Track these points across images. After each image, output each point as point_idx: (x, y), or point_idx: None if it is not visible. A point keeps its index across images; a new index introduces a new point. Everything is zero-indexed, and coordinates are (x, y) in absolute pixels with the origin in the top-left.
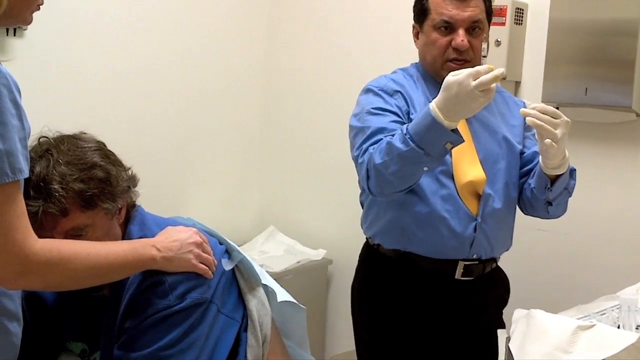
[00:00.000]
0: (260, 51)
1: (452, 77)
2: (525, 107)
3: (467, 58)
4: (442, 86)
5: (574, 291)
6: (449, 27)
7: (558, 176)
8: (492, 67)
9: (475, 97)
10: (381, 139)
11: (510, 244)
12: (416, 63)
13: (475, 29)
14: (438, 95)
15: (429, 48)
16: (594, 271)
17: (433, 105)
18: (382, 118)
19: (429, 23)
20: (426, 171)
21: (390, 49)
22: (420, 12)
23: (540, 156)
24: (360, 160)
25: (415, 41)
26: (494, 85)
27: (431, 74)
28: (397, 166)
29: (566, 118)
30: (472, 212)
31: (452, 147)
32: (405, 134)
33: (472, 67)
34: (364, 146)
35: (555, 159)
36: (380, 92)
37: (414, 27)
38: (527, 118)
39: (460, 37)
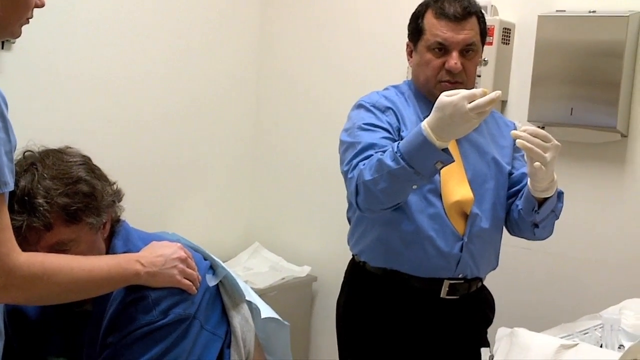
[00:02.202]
0: (252, 65)
1: (447, 97)
2: (515, 128)
3: (460, 80)
4: (435, 106)
5: (557, 310)
6: (442, 49)
7: (546, 199)
8: (486, 90)
9: (469, 119)
10: (372, 155)
11: (496, 263)
12: (408, 81)
13: (469, 51)
14: (430, 115)
15: (422, 68)
16: (578, 290)
17: (425, 124)
18: (373, 134)
19: (423, 43)
20: (415, 189)
21: (384, 64)
22: (415, 32)
23: (528, 178)
24: (349, 176)
25: (408, 59)
26: (489, 107)
27: (424, 93)
28: (386, 183)
29: (556, 142)
30: (458, 231)
31: (443, 167)
32: (396, 152)
33: (466, 88)
34: (354, 162)
35: (543, 182)
36: (372, 108)
37: (407, 45)
38: (517, 140)
39: (454, 60)
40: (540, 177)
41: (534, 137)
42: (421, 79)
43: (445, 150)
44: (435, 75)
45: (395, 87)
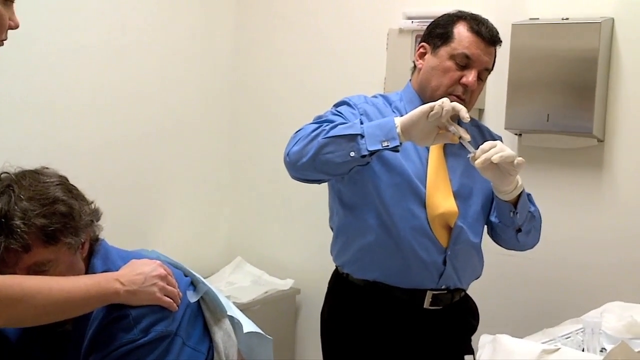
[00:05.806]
0: (227, 84)
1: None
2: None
3: (466, 99)
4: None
5: (539, 315)
6: (465, 64)
7: (518, 198)
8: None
9: (429, 126)
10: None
11: (479, 274)
12: (401, 91)
13: (483, 74)
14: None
15: (438, 73)
16: (559, 295)
17: (398, 121)
18: (337, 118)
19: (449, 50)
20: (351, 160)
21: (359, 81)
22: (441, 36)
23: (496, 190)
24: (298, 130)
25: (417, 60)
26: (444, 118)
27: (424, 98)
28: (333, 134)
29: (492, 142)
30: (442, 244)
31: (384, 149)
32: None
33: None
34: (308, 124)
35: (514, 181)
36: (353, 105)
37: (422, 46)
38: (492, 158)
39: (473, 76)
40: (515, 174)
41: (487, 150)
42: (432, 83)
43: (400, 145)
44: (450, 86)
45: (383, 96)
